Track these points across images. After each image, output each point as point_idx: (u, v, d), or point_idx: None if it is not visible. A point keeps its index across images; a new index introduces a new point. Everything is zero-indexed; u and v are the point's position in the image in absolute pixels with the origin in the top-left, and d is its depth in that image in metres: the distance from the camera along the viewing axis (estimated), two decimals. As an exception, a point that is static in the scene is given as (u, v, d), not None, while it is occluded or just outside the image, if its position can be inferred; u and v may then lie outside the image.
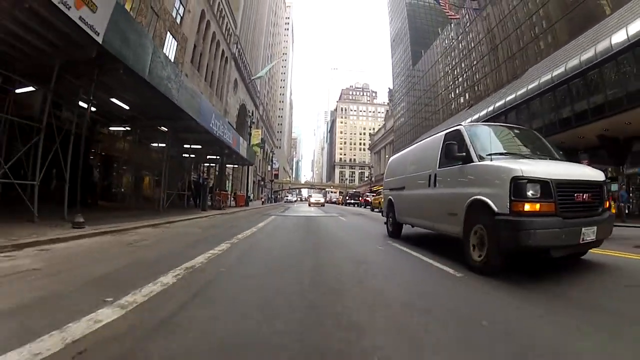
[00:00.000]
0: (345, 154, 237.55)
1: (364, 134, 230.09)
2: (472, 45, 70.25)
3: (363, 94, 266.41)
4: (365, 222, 20.73)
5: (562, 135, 32.65)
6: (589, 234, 6.11)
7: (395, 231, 12.79)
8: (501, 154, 7.35)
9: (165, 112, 16.49)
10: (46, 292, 4.52)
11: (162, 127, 19.77)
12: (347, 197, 75.64)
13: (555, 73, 34.36)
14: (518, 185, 5.99)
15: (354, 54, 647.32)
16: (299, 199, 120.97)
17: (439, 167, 8.70)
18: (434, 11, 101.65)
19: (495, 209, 6.24)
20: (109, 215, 14.85)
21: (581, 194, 6.25)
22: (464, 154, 7.57)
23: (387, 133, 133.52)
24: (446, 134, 8.86)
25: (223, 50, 49.61)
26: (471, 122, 42.68)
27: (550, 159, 7.54)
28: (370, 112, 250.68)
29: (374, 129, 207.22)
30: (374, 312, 4.26)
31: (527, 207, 5.93)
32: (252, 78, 67.50)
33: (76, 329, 3.45)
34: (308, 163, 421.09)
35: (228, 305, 4.40)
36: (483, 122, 35.98)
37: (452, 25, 75.12)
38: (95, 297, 4.40)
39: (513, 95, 41.17)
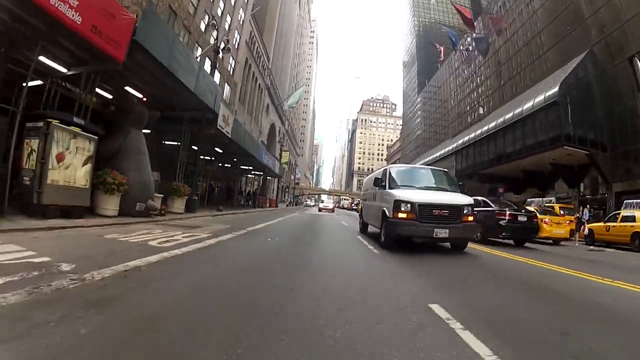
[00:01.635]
0: (363, 163, 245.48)
1: (382, 145, 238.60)
2: (473, 75, 78.88)
3: (383, 106, 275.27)
4: (354, 222, 26.42)
5: (506, 166, 47.95)
6: (441, 233, 11.05)
7: (363, 228, 18.52)
8: (401, 185, 12.60)
9: (242, 155, 31.49)
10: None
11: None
12: (353, 204, 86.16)
13: (499, 120, 49.61)
14: (396, 203, 11.29)
15: (378, 64, 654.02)
16: (317, 204, 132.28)
17: (377, 189, 13.93)
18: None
19: (388, 214, 11.69)
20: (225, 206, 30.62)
21: (438, 210, 11.19)
22: (384, 183, 13.14)
23: (401, 146, 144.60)
24: (383, 169, 14.89)
25: (259, 84, 61.16)
26: (451, 148, 58.13)
27: (433, 190, 12.65)
28: (389, 123, 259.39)
29: (391, 140, 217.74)
30: (328, 258, 9.87)
31: (400, 215, 11.17)
32: (284, 107, 78.05)
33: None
34: (329, 169, 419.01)
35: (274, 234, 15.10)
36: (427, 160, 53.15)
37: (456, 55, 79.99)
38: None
39: (474, 134, 57.49)
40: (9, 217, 9.68)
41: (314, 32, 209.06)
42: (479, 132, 56.40)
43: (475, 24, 68.54)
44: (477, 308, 5.46)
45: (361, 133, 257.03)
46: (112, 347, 3.09)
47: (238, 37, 47.92)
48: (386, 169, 14.27)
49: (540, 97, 41.63)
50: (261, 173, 54.25)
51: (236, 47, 47.20)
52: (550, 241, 22.22)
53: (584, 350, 3.94)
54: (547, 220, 21.86)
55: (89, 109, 12.78)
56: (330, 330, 3.90)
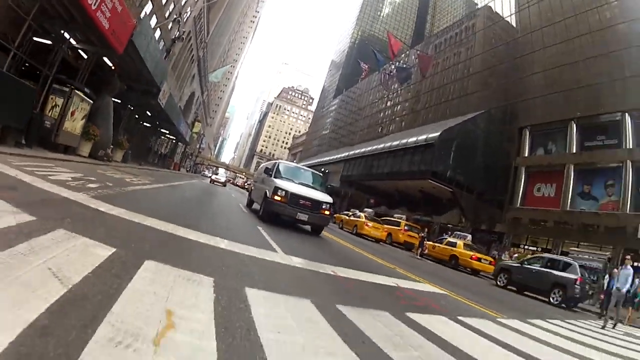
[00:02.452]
0: (267, 147, 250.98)
1: (289, 133, 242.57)
2: (386, 97, 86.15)
3: (300, 97, 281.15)
4: (242, 197, 32.71)
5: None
6: (302, 216, 15.30)
7: (249, 203, 22.38)
8: (284, 177, 16.71)
9: (166, 121, 36.77)
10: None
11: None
12: (245, 184, 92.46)
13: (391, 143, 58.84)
14: (275, 189, 15.21)
15: (312, 56, 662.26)
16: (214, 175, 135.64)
17: (266, 176, 17.55)
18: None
19: (268, 195, 15.60)
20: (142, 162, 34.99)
21: (304, 200, 15.40)
22: (271, 173, 17.01)
23: (306, 140, 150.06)
24: (274, 162, 18.89)
25: (193, 55, 64.47)
26: (344, 155, 67.53)
27: (306, 186, 16.92)
28: (302, 115, 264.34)
29: (299, 131, 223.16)
30: (223, 205, 20.05)
31: (276, 197, 15.09)
32: (208, 79, 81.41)
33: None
34: (233, 143, 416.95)
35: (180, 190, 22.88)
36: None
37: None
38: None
39: (365, 148, 67.90)
40: (35, 148, 15.20)
41: (258, 12, 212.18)
42: (369, 148, 65.57)
43: (404, 54, 76.48)
44: (288, 243, 11.18)
45: (272, 118, 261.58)
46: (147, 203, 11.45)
47: (189, 12, 51.37)
48: (276, 163, 18.42)
49: (424, 136, 50.44)
50: (174, 138, 61.35)
51: (184, 21, 50.56)
52: (373, 240, 31.13)
53: (335, 263, 9.99)
54: (369, 223, 32.11)
55: (84, 77, 19.00)
56: (220, 220, 12.31)
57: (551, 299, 18.84)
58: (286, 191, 15.35)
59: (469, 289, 15.43)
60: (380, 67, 73.75)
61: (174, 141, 66.35)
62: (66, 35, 17.58)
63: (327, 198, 16.96)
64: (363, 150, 68.56)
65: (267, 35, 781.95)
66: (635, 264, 21.36)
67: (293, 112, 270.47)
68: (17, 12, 14.29)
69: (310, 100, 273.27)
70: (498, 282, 22.05)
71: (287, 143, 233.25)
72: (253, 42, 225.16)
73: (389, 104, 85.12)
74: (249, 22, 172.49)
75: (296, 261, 8.41)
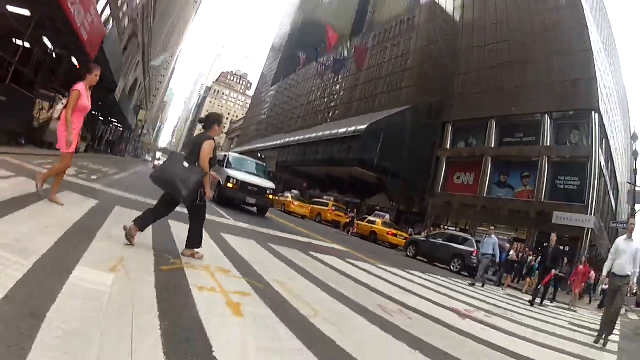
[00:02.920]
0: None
1: (227, 118, 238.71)
2: (324, 86, 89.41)
3: (239, 82, 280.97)
4: None
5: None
6: (251, 200, 18.96)
7: None
8: (234, 167, 19.69)
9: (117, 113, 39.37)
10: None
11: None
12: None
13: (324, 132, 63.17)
14: (228, 178, 18.26)
15: (253, 39, 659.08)
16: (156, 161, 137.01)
17: (217, 166, 19.17)
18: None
19: (222, 183, 18.06)
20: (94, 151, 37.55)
21: (252, 187, 18.70)
22: (224, 163, 19.88)
23: (244, 125, 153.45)
24: (225, 154, 22.09)
25: (139, 41, 65.50)
26: (280, 142, 71.69)
27: (252, 174, 20.03)
28: (240, 100, 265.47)
29: (237, 116, 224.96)
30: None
31: (229, 185, 18.25)
32: (151, 64, 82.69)
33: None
34: (171, 127, 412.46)
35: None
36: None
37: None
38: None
39: (300, 137, 73.38)
40: (28, 146, 18.10)
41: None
42: (304, 136, 71.21)
43: (341, 47, 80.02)
44: (238, 217, 14.91)
45: (211, 102, 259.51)
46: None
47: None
48: (227, 155, 22.13)
49: (353, 128, 56.31)
50: (121, 126, 63.32)
51: (135, 6, 51.62)
52: (300, 216, 35.84)
53: (269, 227, 13.97)
54: (295, 202, 37.53)
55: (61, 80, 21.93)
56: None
57: (452, 267, 22.49)
58: (237, 180, 18.70)
59: (376, 253, 19.27)
60: (318, 58, 77.08)
61: (120, 129, 68.67)
62: (47, 43, 20.09)
63: (270, 184, 20.64)
64: (298, 138, 73.38)
65: (209, 17, 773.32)
66: (546, 244, 25.17)
67: (231, 97, 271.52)
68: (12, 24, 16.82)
69: (249, 85, 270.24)
70: (408, 253, 25.42)
71: (224, 128, 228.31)
72: (194, 24, 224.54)
73: (324, 93, 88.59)
74: (192, 2, 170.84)
75: (243, 225, 13.22)
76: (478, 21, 54.98)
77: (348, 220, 35.81)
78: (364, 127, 54.84)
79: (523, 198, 43.73)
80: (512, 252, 24.31)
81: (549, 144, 43.49)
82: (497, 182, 46.75)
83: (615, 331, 10.29)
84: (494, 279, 23.12)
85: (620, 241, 9.06)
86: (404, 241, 29.73)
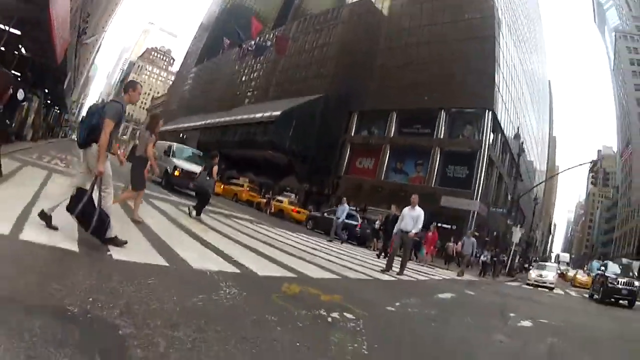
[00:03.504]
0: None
1: (149, 94, 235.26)
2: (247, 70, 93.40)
3: (163, 58, 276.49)
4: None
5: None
6: (192, 185, 21.30)
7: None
8: (177, 157, 24.10)
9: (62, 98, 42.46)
10: None
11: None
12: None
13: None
14: (175, 167, 22.60)
15: (183, 18, 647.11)
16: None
17: (164, 155, 23.35)
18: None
19: (169, 171, 22.70)
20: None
21: (192, 174, 20.98)
22: (169, 153, 24.05)
23: (166, 101, 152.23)
24: (169, 144, 25.77)
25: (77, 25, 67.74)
26: (202, 123, 75.44)
27: (192, 162, 23.96)
28: (162, 76, 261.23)
29: (158, 92, 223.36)
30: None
31: (176, 173, 22.54)
32: (84, 42, 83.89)
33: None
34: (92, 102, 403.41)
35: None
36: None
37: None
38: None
39: (222, 119, 77.67)
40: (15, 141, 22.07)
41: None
42: (223, 119, 75.77)
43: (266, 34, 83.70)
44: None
45: (133, 77, 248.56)
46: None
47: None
48: (171, 145, 25.87)
49: (268, 113, 60.75)
50: (59, 109, 65.22)
51: None
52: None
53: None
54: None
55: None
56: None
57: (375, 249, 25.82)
58: (182, 168, 22.76)
59: (278, 225, 22.79)
60: (242, 43, 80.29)
61: (58, 112, 69.22)
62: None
63: (198, 168, 24.41)
64: (217, 120, 76.79)
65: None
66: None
67: (154, 73, 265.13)
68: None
69: (172, 62, 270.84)
70: (307, 226, 30.18)
71: (145, 104, 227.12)
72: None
73: (244, 78, 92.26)
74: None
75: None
76: (395, 24, 60.74)
77: (265, 201, 38.93)
78: (278, 112, 59.24)
79: (416, 183, 49.32)
80: (377, 222, 28.91)
81: (442, 136, 49.46)
82: (394, 168, 52.55)
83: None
84: (355, 242, 27.15)
85: (406, 210, 13.37)
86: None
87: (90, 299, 3.50)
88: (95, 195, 5.71)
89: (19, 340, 2.46)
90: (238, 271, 6.62)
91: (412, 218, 13.10)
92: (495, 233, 47.65)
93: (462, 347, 5.63)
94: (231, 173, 61.02)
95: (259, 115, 64.40)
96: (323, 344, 4.09)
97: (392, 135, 53.48)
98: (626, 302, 20.01)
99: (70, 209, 5.61)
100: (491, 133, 48.28)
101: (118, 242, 5.83)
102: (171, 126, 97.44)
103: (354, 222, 27.29)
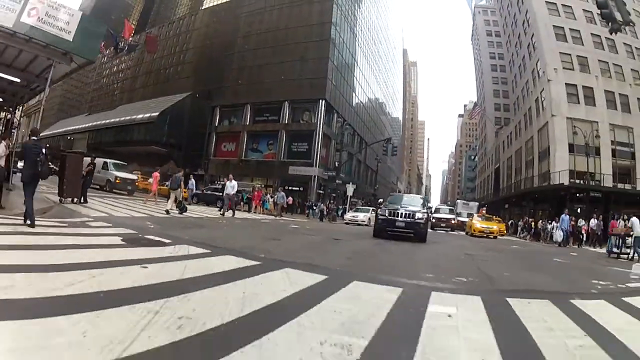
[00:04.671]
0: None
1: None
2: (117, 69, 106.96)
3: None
4: None
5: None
6: (127, 187, 38.03)
7: None
8: (114, 169, 38.17)
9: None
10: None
11: None
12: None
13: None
14: (116, 177, 37.11)
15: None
16: None
17: (103, 169, 37.54)
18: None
19: (112, 180, 36.92)
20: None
21: (128, 180, 38.45)
22: (108, 167, 37.80)
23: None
24: (104, 160, 38.50)
25: None
26: (88, 125, 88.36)
27: (125, 171, 39.34)
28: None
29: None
30: None
31: (117, 181, 36.93)
32: None
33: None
34: None
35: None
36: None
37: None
38: None
39: (105, 120, 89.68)
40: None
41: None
42: (107, 121, 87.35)
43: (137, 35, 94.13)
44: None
45: None
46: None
47: None
48: (106, 161, 36.54)
49: (148, 115, 74.26)
50: None
51: None
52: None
53: None
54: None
55: None
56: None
57: (217, 205, 35.88)
58: (120, 177, 35.73)
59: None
60: (116, 42, 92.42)
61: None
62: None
63: (134, 176, 39.16)
64: (103, 122, 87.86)
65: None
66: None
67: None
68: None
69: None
70: (192, 202, 37.23)
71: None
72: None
73: (120, 76, 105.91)
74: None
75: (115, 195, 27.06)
76: (246, 30, 76.95)
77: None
78: (156, 114, 73.42)
79: (269, 159, 66.65)
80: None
81: (287, 122, 66.59)
82: (251, 148, 69.25)
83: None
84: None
85: (228, 182, 28.29)
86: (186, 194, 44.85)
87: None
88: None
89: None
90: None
91: (231, 187, 27.43)
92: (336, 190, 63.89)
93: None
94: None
95: (139, 116, 77.50)
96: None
97: (248, 123, 69.67)
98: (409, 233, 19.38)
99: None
100: (325, 116, 65.31)
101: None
102: (58, 129, 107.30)
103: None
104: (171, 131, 75.52)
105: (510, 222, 55.77)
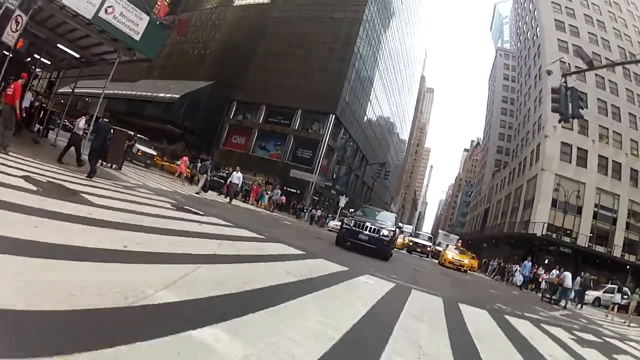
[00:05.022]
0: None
1: None
2: None
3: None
4: None
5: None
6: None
7: None
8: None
9: None
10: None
11: None
12: None
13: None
14: (137, 149, 39.78)
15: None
16: None
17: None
18: None
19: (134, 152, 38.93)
20: None
21: (146, 153, 42.76)
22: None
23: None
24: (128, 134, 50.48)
25: None
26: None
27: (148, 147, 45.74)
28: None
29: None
30: None
31: (139, 153, 40.83)
32: None
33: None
34: None
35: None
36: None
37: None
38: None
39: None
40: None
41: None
42: (130, 92, 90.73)
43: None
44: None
45: None
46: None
47: None
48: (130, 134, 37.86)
49: (169, 95, 78.81)
50: None
51: None
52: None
53: None
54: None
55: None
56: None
57: (221, 192, 39.59)
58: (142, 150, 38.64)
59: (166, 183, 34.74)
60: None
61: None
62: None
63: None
64: (125, 92, 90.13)
65: None
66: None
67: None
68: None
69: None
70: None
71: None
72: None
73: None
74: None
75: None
76: (272, 33, 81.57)
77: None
78: (177, 96, 77.91)
79: (274, 158, 71.52)
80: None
81: (296, 128, 71.55)
82: (259, 146, 73.97)
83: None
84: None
85: (234, 173, 32.56)
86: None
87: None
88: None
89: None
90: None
91: (237, 178, 31.51)
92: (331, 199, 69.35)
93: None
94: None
95: (161, 95, 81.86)
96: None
97: (260, 121, 74.59)
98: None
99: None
100: (332, 129, 70.24)
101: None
102: (79, 89, 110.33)
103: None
104: (187, 114, 79.39)
105: (483, 260, 59.03)
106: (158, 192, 17.99)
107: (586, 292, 35.45)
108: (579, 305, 31.67)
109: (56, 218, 6.47)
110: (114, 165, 24.54)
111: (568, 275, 28.25)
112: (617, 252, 57.07)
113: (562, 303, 26.94)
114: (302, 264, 10.07)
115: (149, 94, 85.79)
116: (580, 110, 17.60)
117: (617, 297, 33.43)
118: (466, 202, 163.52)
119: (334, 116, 69.58)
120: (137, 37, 20.10)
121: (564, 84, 17.73)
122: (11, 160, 12.16)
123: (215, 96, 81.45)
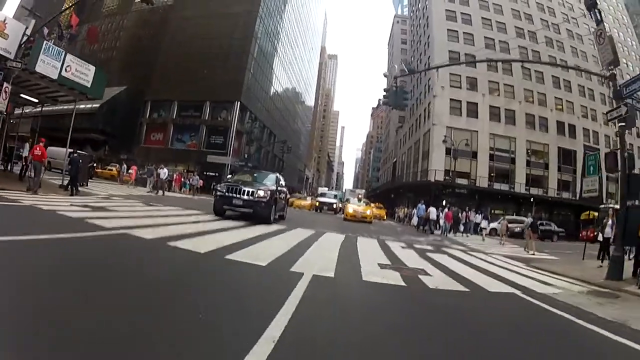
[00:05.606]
0: None
1: None
2: None
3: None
4: None
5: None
6: None
7: None
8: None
9: None
10: None
11: None
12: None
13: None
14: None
15: None
16: None
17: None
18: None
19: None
20: None
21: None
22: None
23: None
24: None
25: None
26: None
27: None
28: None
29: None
30: None
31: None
32: None
33: None
34: None
35: None
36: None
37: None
38: None
39: None
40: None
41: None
42: (53, 108, 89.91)
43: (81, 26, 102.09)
44: None
45: None
46: None
47: None
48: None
49: (90, 105, 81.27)
50: None
51: None
52: None
53: None
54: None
55: None
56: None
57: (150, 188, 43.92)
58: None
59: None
60: (60, 32, 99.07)
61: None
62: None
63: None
64: (47, 109, 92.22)
65: None
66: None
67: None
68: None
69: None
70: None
71: None
72: None
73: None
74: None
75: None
76: (172, 34, 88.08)
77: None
78: (97, 105, 79.07)
79: (191, 148, 79.04)
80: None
81: (207, 118, 79.77)
82: (176, 139, 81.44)
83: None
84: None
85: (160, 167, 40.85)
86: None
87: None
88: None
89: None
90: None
91: (164, 173, 39.42)
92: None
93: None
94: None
95: (82, 106, 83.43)
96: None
97: (174, 117, 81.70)
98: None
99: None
100: (238, 114, 78.60)
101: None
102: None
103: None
104: (107, 121, 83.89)
105: (394, 209, 68.75)
106: (129, 197, 25.41)
107: (460, 223, 43.16)
108: (451, 233, 38.98)
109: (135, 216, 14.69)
110: (83, 183, 30.58)
111: (432, 210, 38.63)
112: (522, 188, 67.40)
113: (433, 232, 37.46)
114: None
115: (70, 107, 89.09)
116: (405, 101, 26.51)
117: (484, 223, 41.89)
118: (378, 158, 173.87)
119: (239, 103, 77.92)
120: (89, 85, 25.59)
121: (395, 85, 25.99)
122: (47, 199, 16.47)
123: (131, 99, 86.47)
